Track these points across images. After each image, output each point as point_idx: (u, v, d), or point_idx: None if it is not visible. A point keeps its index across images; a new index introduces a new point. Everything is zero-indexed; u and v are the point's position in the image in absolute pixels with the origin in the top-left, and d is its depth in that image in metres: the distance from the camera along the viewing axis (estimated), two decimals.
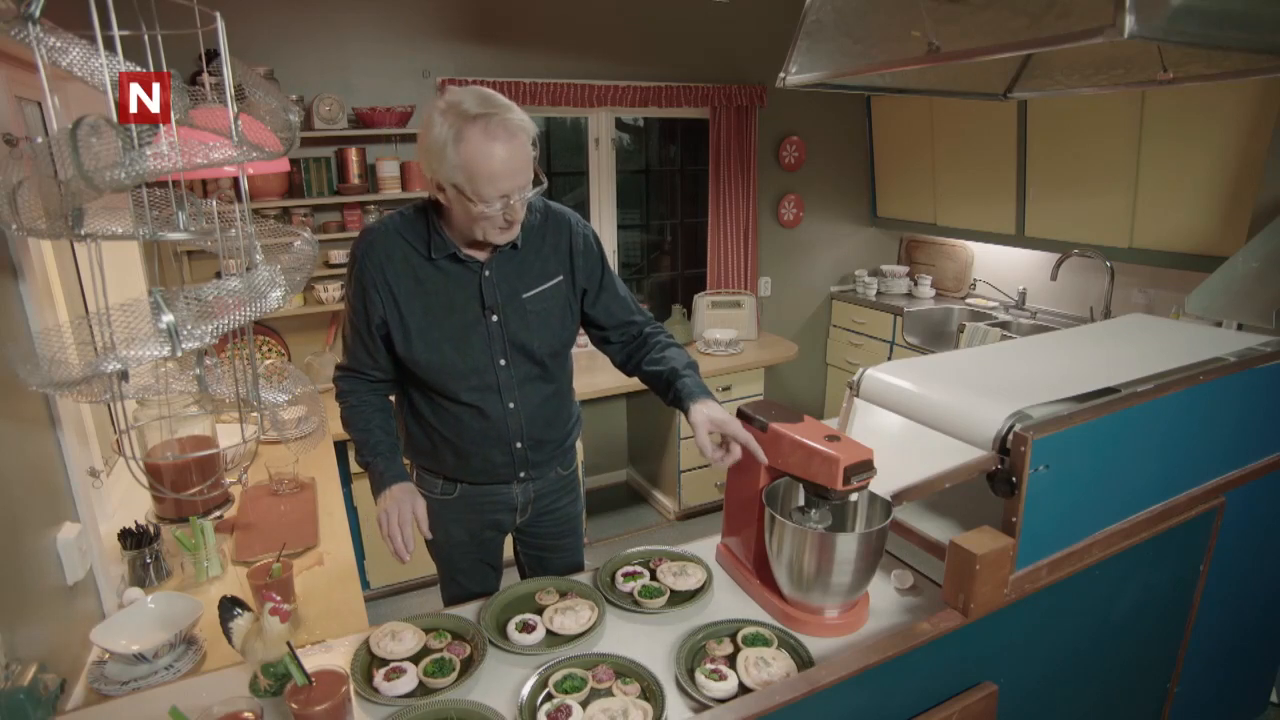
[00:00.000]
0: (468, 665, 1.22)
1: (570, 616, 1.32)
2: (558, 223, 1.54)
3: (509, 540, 1.81)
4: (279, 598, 1.18)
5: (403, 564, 1.45)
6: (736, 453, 1.40)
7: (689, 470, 3.58)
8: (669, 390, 1.54)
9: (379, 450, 1.51)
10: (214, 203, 1.05)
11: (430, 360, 1.46)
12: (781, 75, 1.69)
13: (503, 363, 1.50)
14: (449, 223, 1.43)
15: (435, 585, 1.83)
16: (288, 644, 1.10)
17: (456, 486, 1.61)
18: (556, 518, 1.74)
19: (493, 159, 1.26)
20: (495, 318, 1.47)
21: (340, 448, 2.72)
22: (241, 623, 1.22)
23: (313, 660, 1.14)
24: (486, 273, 1.45)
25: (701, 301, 3.85)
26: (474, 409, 1.51)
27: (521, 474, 1.60)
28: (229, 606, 1.25)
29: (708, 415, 1.42)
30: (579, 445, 1.80)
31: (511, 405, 1.53)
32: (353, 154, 2.94)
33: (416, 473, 1.66)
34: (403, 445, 1.61)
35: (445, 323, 1.46)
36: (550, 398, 1.60)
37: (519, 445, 1.56)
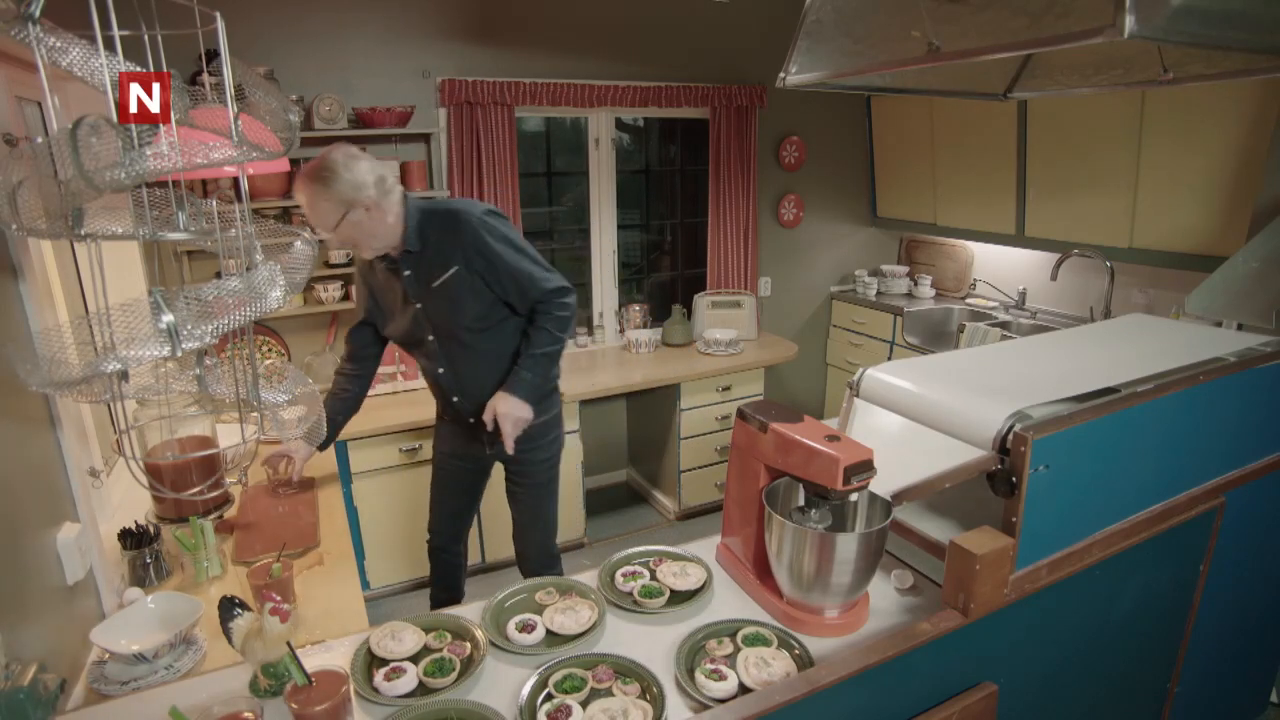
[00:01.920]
0: (468, 665, 1.22)
1: (570, 616, 1.32)
2: (447, 222, 1.89)
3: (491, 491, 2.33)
4: (279, 598, 1.18)
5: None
6: (504, 435, 1.92)
7: (689, 470, 3.58)
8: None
9: (330, 408, 2.03)
10: (214, 203, 1.05)
11: (394, 335, 2.07)
12: (781, 75, 1.69)
13: (431, 338, 1.99)
14: None
15: (488, 574, 2.09)
16: (288, 644, 1.10)
17: (446, 415, 2.18)
18: (516, 458, 2.07)
19: (300, 198, 1.78)
20: (419, 305, 1.95)
21: (340, 447, 2.72)
22: (241, 623, 1.22)
23: (313, 660, 1.14)
24: (406, 272, 1.92)
25: (701, 301, 3.85)
26: (426, 371, 2.09)
27: (470, 420, 2.07)
28: (229, 606, 1.25)
29: (492, 403, 1.93)
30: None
31: (442, 370, 2.03)
32: None
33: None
34: None
35: (391, 307, 2.03)
36: (478, 365, 2.01)
37: (456, 400, 2.06)
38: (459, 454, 2.20)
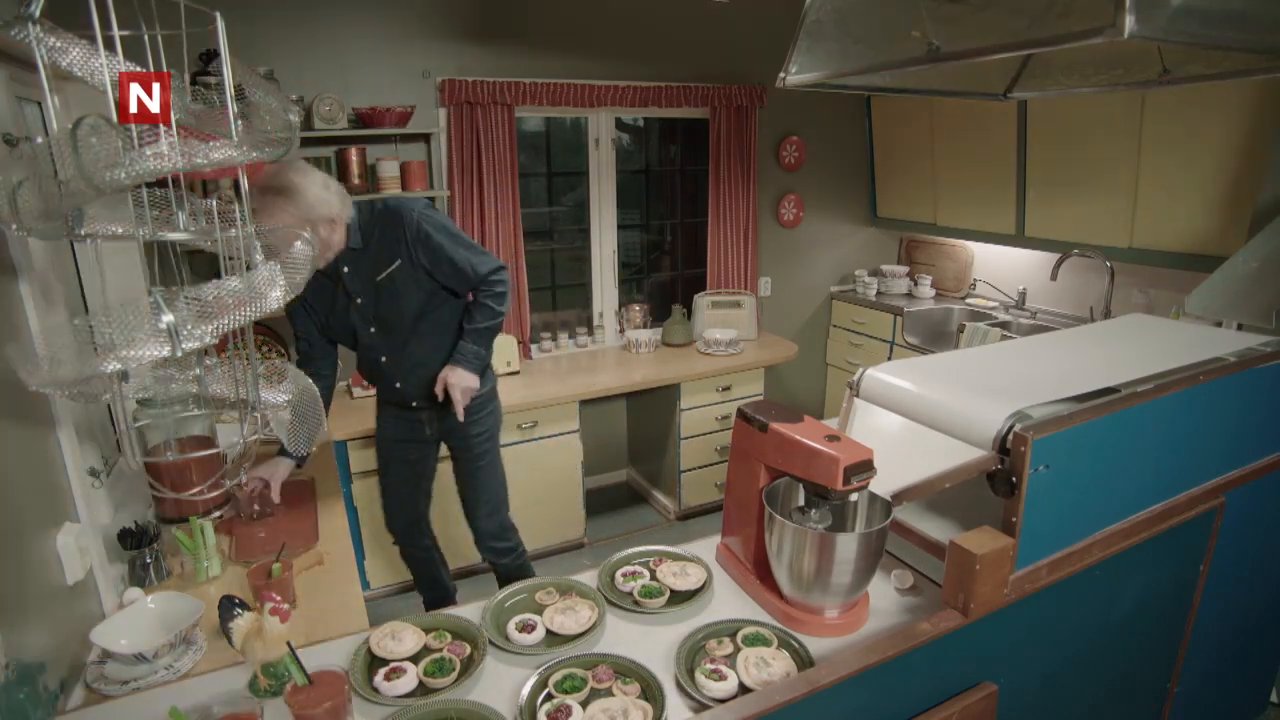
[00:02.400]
0: (468, 665, 1.22)
1: (570, 616, 1.32)
2: (391, 219, 2.00)
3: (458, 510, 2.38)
4: (279, 598, 1.18)
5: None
6: (454, 403, 2.06)
7: (689, 470, 3.58)
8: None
9: None
10: (214, 203, 1.05)
11: (334, 333, 2.14)
12: (781, 75, 1.69)
13: (372, 330, 2.09)
14: None
15: (465, 578, 2.09)
16: (288, 644, 1.10)
17: (382, 397, 2.29)
18: (459, 435, 2.24)
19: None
20: (359, 300, 2.05)
21: (340, 447, 2.72)
22: (241, 623, 1.22)
23: (313, 660, 1.14)
24: (345, 269, 2.01)
25: (701, 301, 3.85)
26: (364, 361, 2.19)
27: (414, 403, 2.20)
28: (229, 606, 1.25)
29: (443, 374, 2.06)
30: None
31: (384, 359, 2.13)
32: (353, 154, 2.93)
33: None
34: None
35: (328, 306, 2.09)
36: (421, 351, 2.12)
37: (398, 385, 2.17)
38: (401, 438, 2.29)
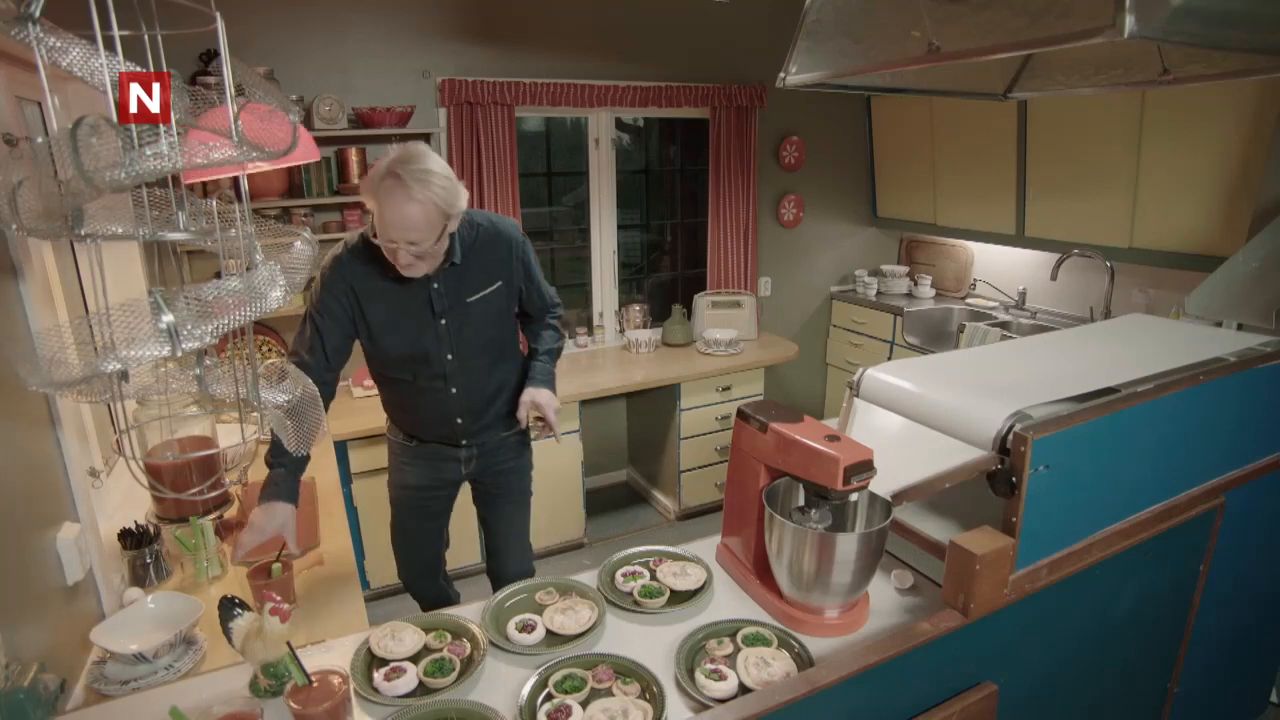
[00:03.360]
0: (468, 665, 1.22)
1: (570, 616, 1.32)
2: (496, 238, 1.83)
3: (460, 511, 2.15)
4: (279, 598, 1.18)
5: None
6: (551, 424, 1.92)
7: (689, 470, 3.58)
8: (529, 362, 2.00)
9: (290, 464, 1.66)
10: (214, 203, 1.05)
11: (389, 355, 1.82)
12: (781, 75, 1.69)
13: (449, 357, 1.83)
14: None
15: (462, 580, 1.99)
16: (288, 644, 1.10)
17: (414, 440, 1.98)
18: (498, 471, 2.06)
19: (388, 209, 1.55)
20: (444, 321, 1.80)
21: (340, 447, 2.72)
22: (241, 623, 1.22)
23: (313, 660, 1.14)
24: (435, 285, 1.76)
25: (701, 301, 3.85)
26: (425, 391, 1.87)
27: (464, 440, 1.96)
28: (229, 606, 1.25)
29: (531, 397, 1.91)
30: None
31: (454, 390, 1.87)
32: (353, 154, 2.94)
33: (389, 421, 2.04)
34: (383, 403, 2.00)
35: (403, 325, 1.78)
36: (490, 382, 1.93)
37: (459, 421, 1.91)
38: (431, 484, 2.02)
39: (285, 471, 1.64)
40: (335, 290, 1.72)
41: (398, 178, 1.52)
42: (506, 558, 2.14)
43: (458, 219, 1.65)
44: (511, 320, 1.94)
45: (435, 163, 1.57)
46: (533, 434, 2.09)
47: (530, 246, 1.92)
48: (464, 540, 2.30)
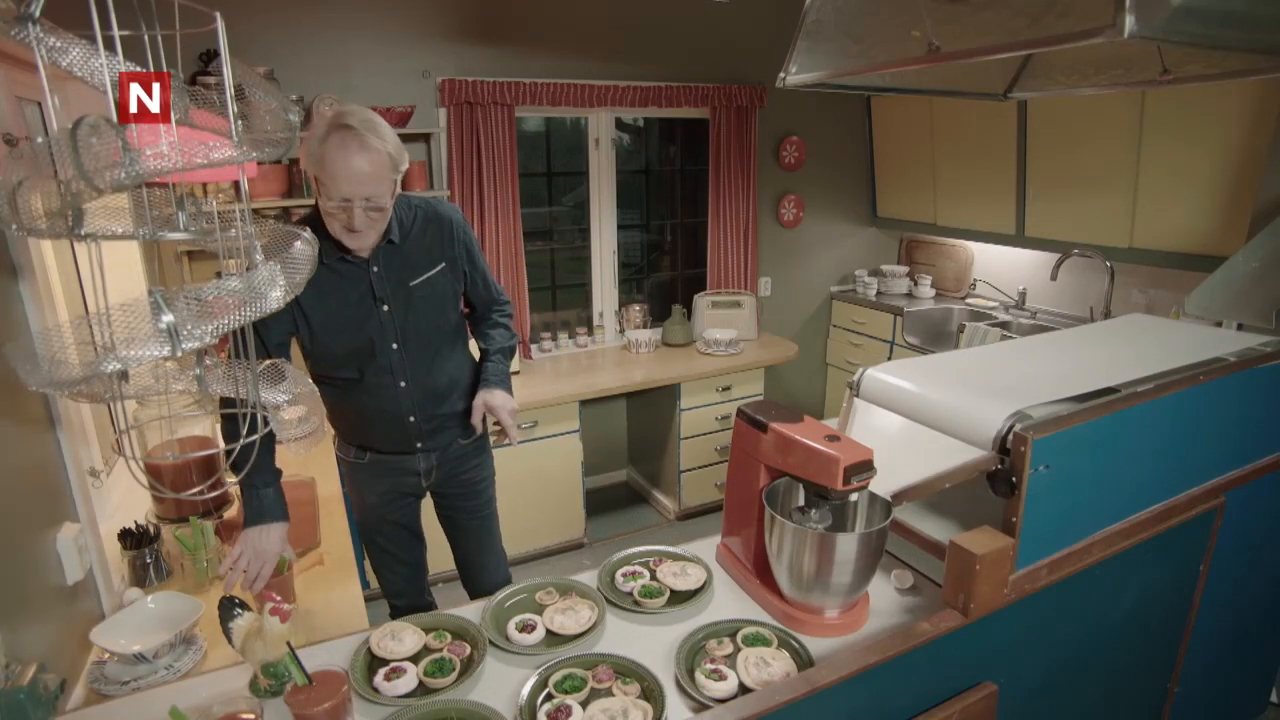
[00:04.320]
0: (468, 665, 1.22)
1: (570, 616, 1.32)
2: (438, 219, 1.74)
3: (429, 507, 2.02)
4: (279, 598, 1.18)
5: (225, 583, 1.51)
6: (506, 428, 1.79)
7: (689, 470, 3.58)
8: (481, 364, 1.90)
9: (271, 479, 1.60)
10: (214, 203, 1.05)
11: (333, 351, 1.69)
12: (781, 75, 1.69)
13: (395, 346, 1.71)
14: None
15: (437, 585, 1.89)
16: (288, 644, 1.10)
17: (367, 454, 1.85)
18: (461, 481, 1.94)
19: (339, 164, 1.46)
20: (386, 307, 1.68)
21: None
22: (241, 623, 1.22)
23: (313, 660, 1.14)
24: (375, 268, 1.65)
25: (701, 301, 3.85)
26: (374, 390, 1.74)
27: (419, 444, 1.83)
28: (229, 606, 1.25)
29: (484, 399, 1.79)
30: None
31: (404, 384, 1.75)
32: None
33: (337, 440, 1.91)
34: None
35: (342, 316, 1.66)
36: (441, 374, 1.80)
37: (412, 419, 1.79)
38: (389, 496, 1.89)
39: (275, 491, 1.59)
40: None
41: (348, 128, 1.46)
42: (482, 574, 2.06)
43: (400, 181, 1.59)
44: (458, 308, 1.83)
45: (376, 116, 1.53)
46: (491, 440, 1.99)
47: (471, 232, 1.82)
48: (434, 548, 2.14)
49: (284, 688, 1.10)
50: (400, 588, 2.06)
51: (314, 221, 1.62)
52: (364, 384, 1.73)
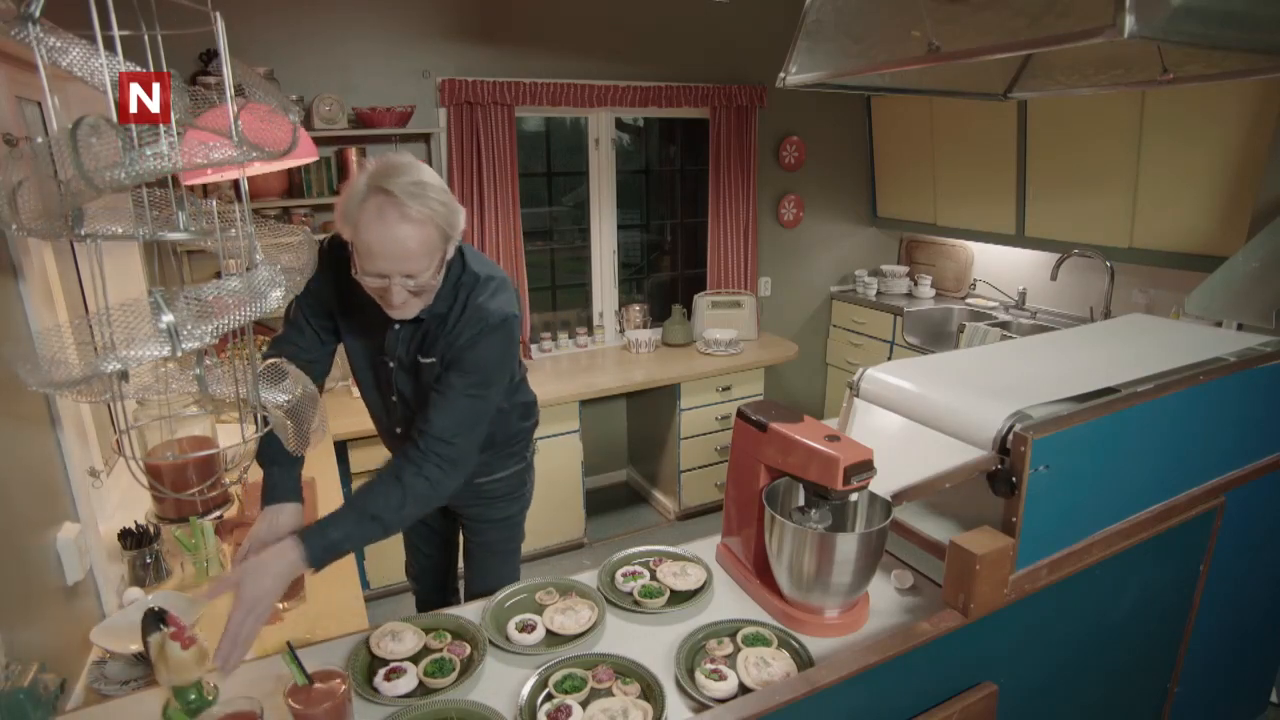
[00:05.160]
0: (468, 665, 1.22)
1: (570, 616, 1.32)
2: (477, 326, 1.42)
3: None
4: (184, 622, 1.13)
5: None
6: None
7: (689, 470, 3.58)
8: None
9: (286, 459, 1.45)
10: (214, 203, 1.05)
11: (352, 365, 1.62)
12: (781, 75, 1.69)
13: (394, 399, 1.60)
14: None
15: None
16: (288, 644, 1.10)
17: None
18: (475, 515, 1.82)
19: (376, 235, 1.25)
20: (391, 364, 1.54)
21: (340, 447, 2.72)
22: (156, 639, 1.13)
23: (313, 660, 1.14)
24: (396, 326, 1.47)
25: (701, 301, 3.85)
26: (379, 415, 1.68)
27: None
28: (153, 619, 1.15)
29: (239, 580, 1.22)
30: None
31: (399, 431, 1.65)
32: (353, 154, 2.94)
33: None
34: None
35: (361, 345, 1.57)
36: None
37: (400, 430, 1.66)
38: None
39: (280, 469, 1.46)
40: (321, 274, 1.43)
41: (387, 194, 1.23)
42: (466, 591, 1.94)
43: (454, 246, 1.37)
44: None
45: (427, 174, 1.30)
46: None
47: (503, 338, 1.45)
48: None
49: (197, 712, 1.06)
50: (417, 574, 2.06)
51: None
52: (372, 402, 1.66)
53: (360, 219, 1.26)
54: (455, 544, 1.97)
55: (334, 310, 1.54)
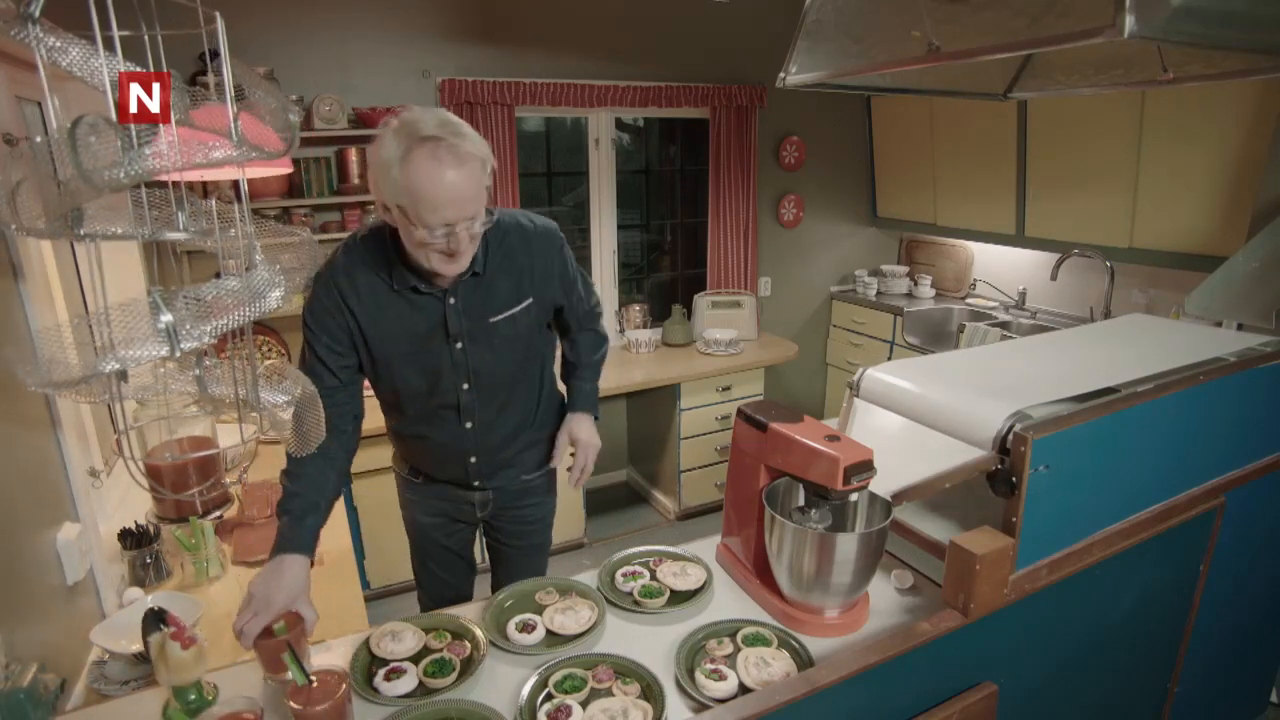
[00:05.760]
0: (468, 665, 1.22)
1: (570, 616, 1.32)
2: (533, 243, 1.48)
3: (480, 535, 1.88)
4: (183, 622, 1.13)
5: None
6: (579, 469, 1.67)
7: (689, 470, 3.58)
8: (568, 380, 1.76)
9: (298, 508, 1.37)
10: (214, 203, 1.05)
11: (394, 385, 1.51)
12: (781, 75, 1.69)
13: (465, 386, 1.52)
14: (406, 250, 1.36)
15: None
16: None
17: (421, 476, 1.70)
18: (515, 517, 1.76)
19: (437, 184, 1.21)
20: (459, 344, 1.47)
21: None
22: (156, 640, 1.13)
23: (313, 660, 1.14)
24: (451, 300, 1.43)
25: (701, 301, 3.85)
26: (435, 426, 1.57)
27: (475, 483, 1.66)
28: (153, 619, 1.15)
29: (572, 432, 1.68)
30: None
31: (469, 425, 1.56)
32: (353, 154, 2.94)
33: (395, 455, 1.76)
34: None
35: (408, 350, 1.46)
36: (511, 416, 1.62)
37: (473, 460, 1.61)
38: (440, 521, 1.74)
39: (290, 519, 1.34)
40: (327, 308, 1.40)
41: (434, 140, 1.19)
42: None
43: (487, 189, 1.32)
44: (540, 342, 1.60)
45: (443, 110, 1.28)
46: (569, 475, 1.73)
47: (568, 252, 1.58)
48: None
49: (198, 711, 1.06)
50: (439, 599, 1.86)
51: (381, 236, 1.41)
52: (426, 419, 1.56)
53: (413, 175, 1.21)
54: (473, 562, 1.89)
55: (358, 343, 1.44)
